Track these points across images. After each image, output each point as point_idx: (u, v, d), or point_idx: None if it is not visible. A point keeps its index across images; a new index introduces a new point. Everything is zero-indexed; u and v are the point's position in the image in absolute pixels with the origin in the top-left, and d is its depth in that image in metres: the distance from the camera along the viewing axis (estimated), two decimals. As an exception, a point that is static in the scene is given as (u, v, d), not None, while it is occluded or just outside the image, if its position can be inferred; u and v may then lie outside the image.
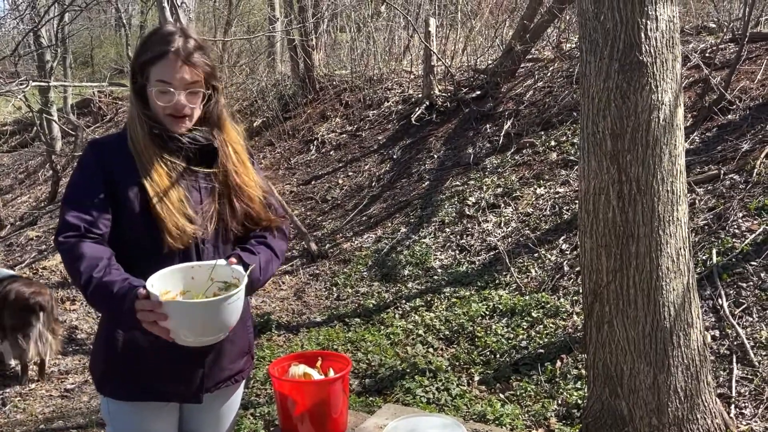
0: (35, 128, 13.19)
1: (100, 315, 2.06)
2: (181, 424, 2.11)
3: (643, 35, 2.69)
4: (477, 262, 5.70)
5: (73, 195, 1.88)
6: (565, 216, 5.64)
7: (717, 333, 3.93)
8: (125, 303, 1.73)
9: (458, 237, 6.14)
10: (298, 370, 2.17)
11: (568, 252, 5.24)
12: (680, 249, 2.83)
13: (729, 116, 5.69)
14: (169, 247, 1.87)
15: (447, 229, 6.31)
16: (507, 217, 6.08)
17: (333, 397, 2.12)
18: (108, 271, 1.77)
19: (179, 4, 5.69)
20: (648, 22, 2.69)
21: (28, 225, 10.99)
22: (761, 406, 3.39)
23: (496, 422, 3.69)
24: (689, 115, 5.93)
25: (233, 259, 1.89)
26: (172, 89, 1.87)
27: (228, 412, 2.19)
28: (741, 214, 4.63)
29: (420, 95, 9.11)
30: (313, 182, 8.76)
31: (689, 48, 6.84)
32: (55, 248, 9.10)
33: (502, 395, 4.06)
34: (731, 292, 4.13)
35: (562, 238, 5.44)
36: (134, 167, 1.90)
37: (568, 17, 8.36)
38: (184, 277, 1.84)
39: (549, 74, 8.05)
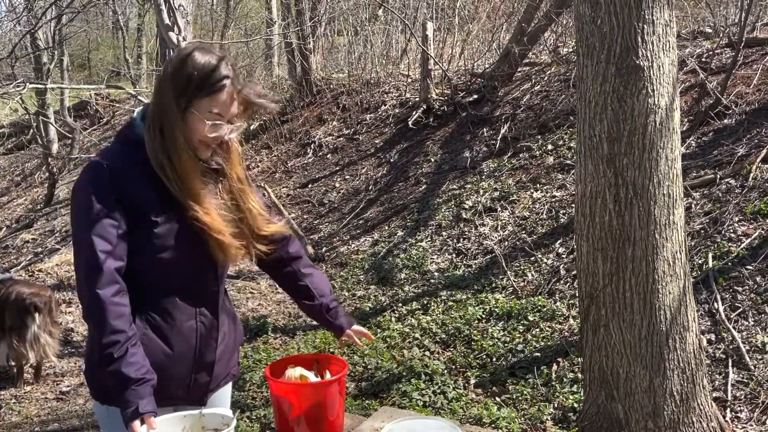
0: (32, 130, 13.16)
1: None
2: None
3: (639, 39, 2.70)
4: (473, 266, 5.71)
5: (91, 222, 1.81)
6: (562, 220, 5.65)
7: (713, 337, 3.94)
8: (135, 395, 1.76)
9: (455, 240, 6.14)
10: (295, 372, 2.16)
11: (564, 256, 5.25)
12: (676, 253, 2.84)
13: (725, 121, 5.71)
14: (206, 257, 1.94)
15: (444, 233, 6.31)
16: (504, 221, 6.09)
17: (329, 399, 2.12)
18: (131, 347, 1.79)
19: (177, 7, 5.69)
20: (645, 26, 2.70)
21: (24, 227, 10.97)
22: (757, 410, 3.39)
23: (493, 425, 3.69)
24: (686, 120, 5.95)
25: (349, 332, 2.27)
26: (222, 122, 1.88)
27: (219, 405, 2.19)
28: (737, 219, 4.65)
29: (417, 99, 9.13)
30: (310, 185, 8.76)
31: (686, 52, 6.87)
32: (51, 251, 9.09)
33: (498, 398, 4.06)
34: (727, 296, 4.14)
35: (559, 241, 5.44)
36: (152, 185, 1.87)
37: (565, 21, 8.38)
38: (175, 426, 1.88)
39: (546, 78, 8.07)
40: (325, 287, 2.25)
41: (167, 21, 5.62)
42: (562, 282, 5.00)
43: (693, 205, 4.96)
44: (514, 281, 5.23)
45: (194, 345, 1.98)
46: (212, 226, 1.89)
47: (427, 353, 4.71)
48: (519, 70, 8.53)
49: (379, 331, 5.12)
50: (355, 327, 2.25)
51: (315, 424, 2.10)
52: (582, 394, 3.34)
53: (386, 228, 6.90)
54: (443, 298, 5.34)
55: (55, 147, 13.24)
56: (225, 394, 2.21)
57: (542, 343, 4.45)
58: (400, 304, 5.46)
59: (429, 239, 6.31)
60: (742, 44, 5.98)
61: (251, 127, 10.87)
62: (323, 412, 2.11)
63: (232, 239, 1.93)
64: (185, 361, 1.97)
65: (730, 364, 3.70)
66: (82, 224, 1.82)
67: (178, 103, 1.84)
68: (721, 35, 7.12)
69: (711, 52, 6.70)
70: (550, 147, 6.73)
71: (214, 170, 1.98)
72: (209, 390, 2.07)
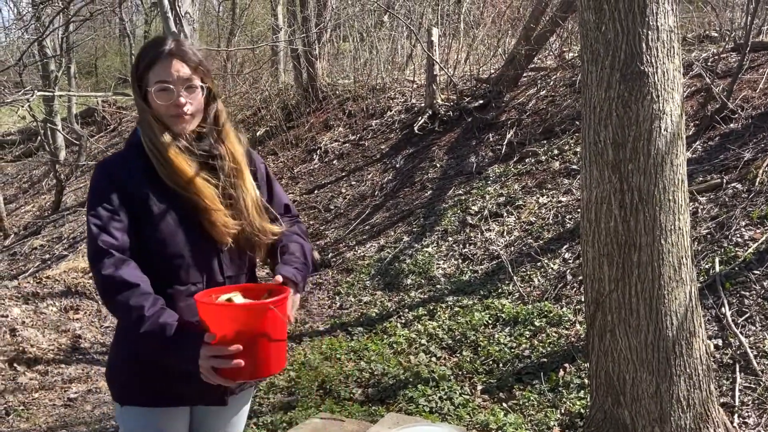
0: (39, 138, 13.24)
1: (118, 323, 2.05)
2: (191, 430, 2.12)
3: (644, 45, 2.71)
4: (480, 271, 5.71)
5: (97, 217, 1.89)
6: (568, 225, 5.64)
7: (720, 342, 3.93)
8: (188, 350, 1.78)
9: (461, 246, 6.14)
10: (224, 296, 1.94)
11: (570, 261, 5.25)
12: (682, 258, 2.83)
13: (731, 125, 5.70)
14: (217, 242, 1.94)
15: (450, 238, 6.32)
16: (509, 226, 6.08)
17: (259, 326, 1.84)
18: (160, 311, 1.82)
19: (183, 15, 5.72)
20: (649, 32, 2.71)
21: (31, 234, 11.03)
22: (765, 415, 3.38)
23: (499, 431, 3.68)
24: (692, 124, 5.94)
25: (279, 278, 1.94)
26: (171, 86, 1.93)
27: (237, 422, 2.20)
28: (743, 223, 4.63)
29: (423, 104, 9.15)
30: (315, 191, 8.78)
31: (691, 57, 6.86)
32: (59, 258, 9.13)
33: (504, 404, 4.05)
34: (734, 300, 4.13)
35: (565, 247, 5.44)
36: (149, 178, 1.93)
37: (570, 26, 8.39)
38: None
39: (551, 83, 8.07)
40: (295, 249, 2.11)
41: (174, 28, 5.65)
42: (568, 287, 5.00)
43: (699, 210, 4.95)
44: (521, 287, 5.23)
45: None
46: (200, 205, 1.92)
47: (433, 359, 4.71)
48: (524, 75, 8.54)
49: (385, 336, 5.12)
50: (280, 279, 1.97)
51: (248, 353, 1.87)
52: (589, 399, 3.33)
53: (392, 233, 6.91)
54: (449, 303, 5.35)
55: (62, 154, 13.33)
56: (245, 399, 2.19)
57: (549, 349, 4.45)
58: (407, 310, 5.46)
59: (435, 245, 6.32)
60: (748, 48, 5.98)
61: (257, 134, 10.91)
62: (253, 340, 1.85)
63: (226, 218, 1.94)
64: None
65: (737, 369, 3.69)
66: (90, 217, 1.90)
67: (134, 87, 1.99)
68: (727, 39, 7.11)
69: (717, 56, 6.70)
70: (556, 152, 6.73)
71: (211, 153, 2.01)
72: (230, 390, 2.04)
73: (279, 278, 1.94)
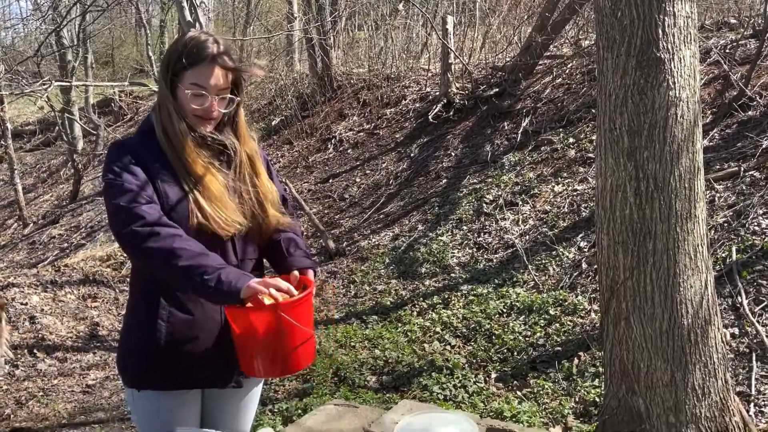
0: (57, 128, 13.35)
1: (128, 310, 2.08)
2: (203, 413, 2.14)
3: (660, 31, 2.68)
4: (494, 260, 5.70)
5: (123, 191, 1.88)
6: (584, 213, 5.62)
7: (736, 331, 3.90)
8: (229, 274, 1.81)
9: (476, 235, 6.13)
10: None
11: (586, 249, 5.23)
12: (698, 246, 2.81)
13: (749, 112, 5.64)
14: (213, 234, 1.93)
15: (464, 227, 6.31)
16: (525, 215, 6.07)
17: (275, 327, 1.86)
18: (192, 254, 1.84)
19: (198, 4, 5.73)
20: (666, 18, 2.68)
21: (50, 223, 11.15)
22: (781, 405, 3.36)
23: (513, 419, 3.69)
24: (709, 112, 5.88)
25: (296, 273, 1.97)
26: (205, 93, 1.95)
27: (249, 404, 2.22)
28: (761, 211, 4.59)
29: (438, 93, 9.11)
30: (330, 180, 8.79)
31: (709, 44, 6.79)
32: (77, 247, 9.21)
33: (519, 393, 4.06)
34: (751, 289, 4.10)
35: (580, 235, 5.42)
36: (164, 163, 1.95)
37: (586, 14, 8.32)
38: None
39: (567, 71, 8.02)
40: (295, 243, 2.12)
41: (189, 18, 5.67)
42: (583, 276, 4.98)
43: (716, 198, 4.91)
44: (536, 275, 5.22)
45: (219, 320, 2.00)
46: (202, 196, 1.93)
47: (447, 347, 4.72)
48: (540, 62, 8.48)
49: (400, 325, 5.14)
50: (296, 273, 2.00)
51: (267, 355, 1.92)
52: (603, 388, 3.33)
53: (407, 222, 6.91)
54: (464, 292, 5.35)
55: (80, 144, 13.43)
56: (257, 383, 2.21)
57: (563, 338, 4.44)
58: (421, 299, 5.47)
59: (450, 233, 6.31)
60: (767, 35, 5.90)
61: (273, 123, 10.93)
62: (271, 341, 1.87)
63: (227, 214, 1.95)
64: (211, 338, 1.98)
65: (753, 358, 3.67)
66: (108, 196, 1.90)
67: (165, 78, 1.98)
68: (745, 26, 7.02)
69: (735, 43, 6.62)
70: (571, 140, 6.69)
71: (224, 148, 2.03)
72: (241, 373, 2.05)
73: (296, 273, 1.98)
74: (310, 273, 2.03)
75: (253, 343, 1.87)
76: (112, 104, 15.45)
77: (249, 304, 1.83)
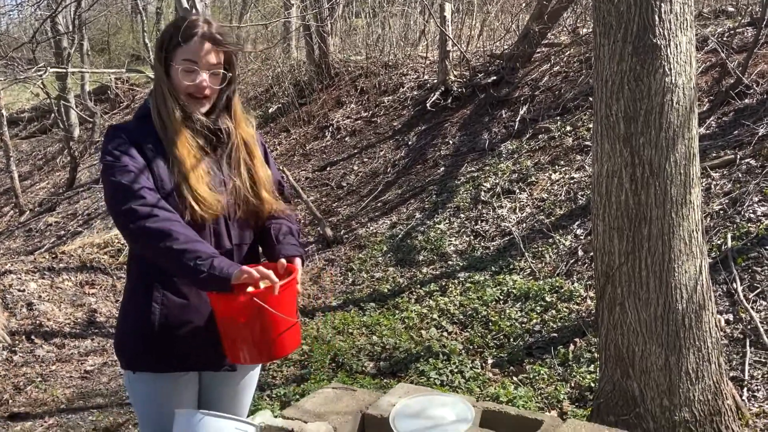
0: (53, 115, 13.31)
1: (125, 295, 2.10)
2: (200, 397, 2.17)
3: (657, 18, 2.69)
4: (491, 248, 5.72)
5: (124, 170, 1.91)
6: (580, 201, 5.64)
7: (731, 317, 3.93)
8: (221, 262, 1.84)
9: (473, 222, 6.15)
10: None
11: (582, 237, 5.25)
12: (693, 231, 2.83)
13: (746, 100, 5.65)
14: (199, 218, 1.95)
15: (462, 215, 6.33)
16: (522, 203, 6.09)
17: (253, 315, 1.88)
18: (185, 239, 1.87)
19: (195, -10, 5.72)
20: (662, 4, 2.69)
21: (47, 211, 11.14)
22: (774, 390, 3.40)
23: (510, 404, 3.71)
24: (706, 99, 5.90)
25: (283, 261, 1.99)
26: (197, 68, 1.99)
27: (246, 388, 2.25)
28: (756, 199, 4.62)
29: (435, 81, 9.11)
30: (328, 168, 8.79)
31: (707, 32, 6.79)
32: (74, 234, 9.20)
33: (515, 378, 4.09)
34: (746, 276, 4.13)
35: (577, 223, 5.44)
36: (159, 147, 1.98)
37: (584, 1, 8.31)
38: None
39: (565, 59, 8.02)
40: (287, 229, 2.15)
41: (185, 4, 5.65)
42: (579, 263, 5.01)
43: (712, 186, 4.93)
44: (532, 263, 5.24)
45: None
46: (185, 177, 1.95)
47: (444, 334, 4.75)
48: (538, 50, 8.48)
49: (397, 312, 5.16)
50: (283, 261, 2.02)
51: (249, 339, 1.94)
52: (598, 372, 3.35)
53: (404, 210, 6.92)
54: (461, 279, 5.37)
55: (76, 131, 13.39)
56: (253, 367, 2.24)
57: (559, 324, 4.47)
58: (419, 286, 5.49)
59: (447, 221, 6.33)
60: (764, 23, 5.91)
61: (270, 111, 10.92)
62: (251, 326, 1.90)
63: (209, 195, 1.96)
64: (205, 322, 2.01)
65: (747, 344, 3.70)
66: (107, 175, 1.93)
67: (160, 58, 2.02)
68: (743, 14, 7.02)
69: (732, 31, 6.62)
70: (569, 128, 6.70)
71: (218, 133, 2.06)
72: None
73: (283, 261, 2.00)
74: (297, 261, 2.05)
75: (235, 330, 1.90)
76: (108, 92, 15.40)
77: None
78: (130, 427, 4.20)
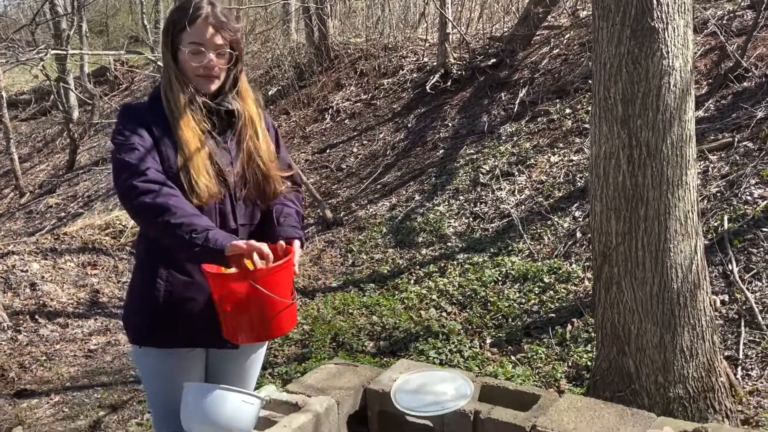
0: (53, 97, 13.30)
1: (134, 272, 2.16)
2: (207, 373, 2.22)
3: (654, 1, 2.72)
4: (490, 229, 5.77)
5: (132, 149, 1.96)
6: (579, 183, 5.68)
7: (726, 297, 3.99)
8: (215, 234, 1.88)
9: (472, 204, 6.20)
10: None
11: (580, 219, 5.30)
12: (688, 212, 2.88)
13: (744, 84, 5.68)
14: (200, 201, 1.99)
15: (461, 197, 6.37)
16: (521, 185, 6.13)
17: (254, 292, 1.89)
18: (183, 213, 1.91)
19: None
20: (661, -13, 2.72)
21: (47, 192, 11.17)
22: (767, 368, 3.46)
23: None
24: (704, 83, 5.92)
25: (282, 243, 2.02)
26: (203, 49, 2.04)
27: (252, 366, 2.30)
28: (754, 181, 4.66)
29: (435, 63, 9.11)
30: (328, 150, 8.82)
31: (706, 15, 6.80)
32: (74, 215, 9.24)
33: (513, 357, 4.15)
34: (742, 257, 4.18)
35: (575, 205, 5.49)
36: (167, 129, 2.03)
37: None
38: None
39: (565, 42, 8.02)
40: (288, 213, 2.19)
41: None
42: (577, 245, 5.06)
43: (710, 168, 4.98)
44: (531, 244, 5.29)
45: None
46: (187, 161, 2.00)
47: (443, 314, 4.81)
48: (538, 33, 8.48)
49: (396, 292, 5.22)
50: (282, 243, 2.04)
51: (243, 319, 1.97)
52: (595, 351, 3.42)
53: (404, 192, 6.96)
54: (460, 261, 5.42)
55: (75, 113, 13.38)
56: (258, 345, 2.29)
57: (557, 304, 4.53)
58: (418, 267, 5.55)
59: (446, 203, 6.38)
60: (764, 6, 5.92)
61: (269, 93, 10.92)
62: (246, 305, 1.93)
63: (205, 185, 2.00)
64: (209, 301, 2.03)
65: (742, 323, 3.77)
66: (116, 153, 1.99)
67: (167, 43, 2.08)
68: (743, -3, 7.02)
69: (732, 14, 6.63)
70: (568, 111, 6.73)
71: (225, 114, 2.11)
72: None
73: (282, 243, 2.03)
74: (296, 243, 2.08)
75: (230, 308, 1.92)
76: (108, 74, 15.37)
77: (233, 269, 1.89)
78: (135, 404, 4.27)
